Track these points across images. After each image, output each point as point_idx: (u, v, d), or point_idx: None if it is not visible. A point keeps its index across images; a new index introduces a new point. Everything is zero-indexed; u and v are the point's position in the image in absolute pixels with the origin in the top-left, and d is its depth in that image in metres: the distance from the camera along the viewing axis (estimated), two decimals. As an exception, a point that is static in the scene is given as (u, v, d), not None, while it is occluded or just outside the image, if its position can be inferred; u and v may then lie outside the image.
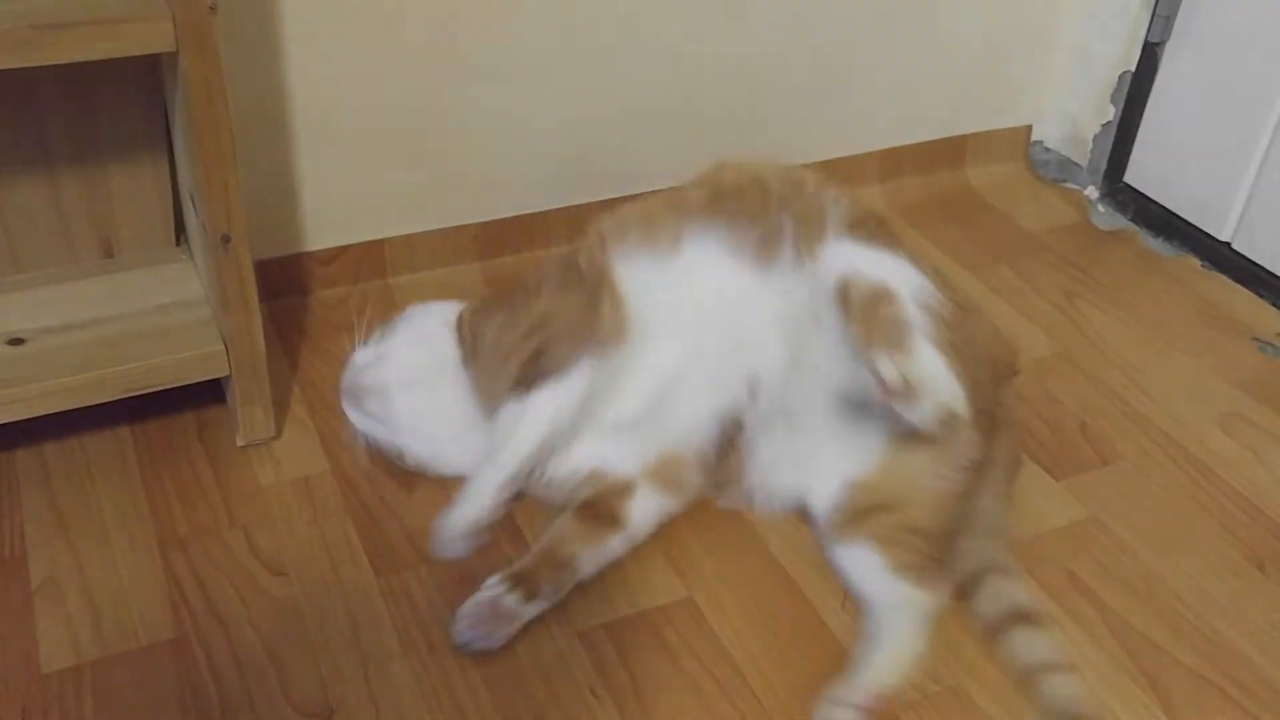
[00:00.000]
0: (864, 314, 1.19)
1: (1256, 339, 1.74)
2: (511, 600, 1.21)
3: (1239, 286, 1.85)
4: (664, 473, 1.33)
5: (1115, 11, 1.98)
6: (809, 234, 1.29)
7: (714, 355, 1.30)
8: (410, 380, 1.33)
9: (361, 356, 1.36)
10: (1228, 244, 1.88)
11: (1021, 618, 1.23)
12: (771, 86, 1.88)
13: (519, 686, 1.17)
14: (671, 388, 1.30)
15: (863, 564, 1.26)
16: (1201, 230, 1.91)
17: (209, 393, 1.47)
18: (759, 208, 1.33)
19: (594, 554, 1.27)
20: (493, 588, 1.22)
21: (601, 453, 1.32)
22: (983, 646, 1.23)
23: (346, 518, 1.35)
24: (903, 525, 1.24)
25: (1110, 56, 2.01)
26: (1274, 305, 1.80)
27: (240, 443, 1.43)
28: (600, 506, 1.30)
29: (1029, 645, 1.21)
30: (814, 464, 1.31)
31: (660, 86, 1.79)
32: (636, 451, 1.32)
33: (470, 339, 1.35)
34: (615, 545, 1.29)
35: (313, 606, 1.25)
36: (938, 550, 1.24)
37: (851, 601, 1.28)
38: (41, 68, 1.21)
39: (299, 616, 1.23)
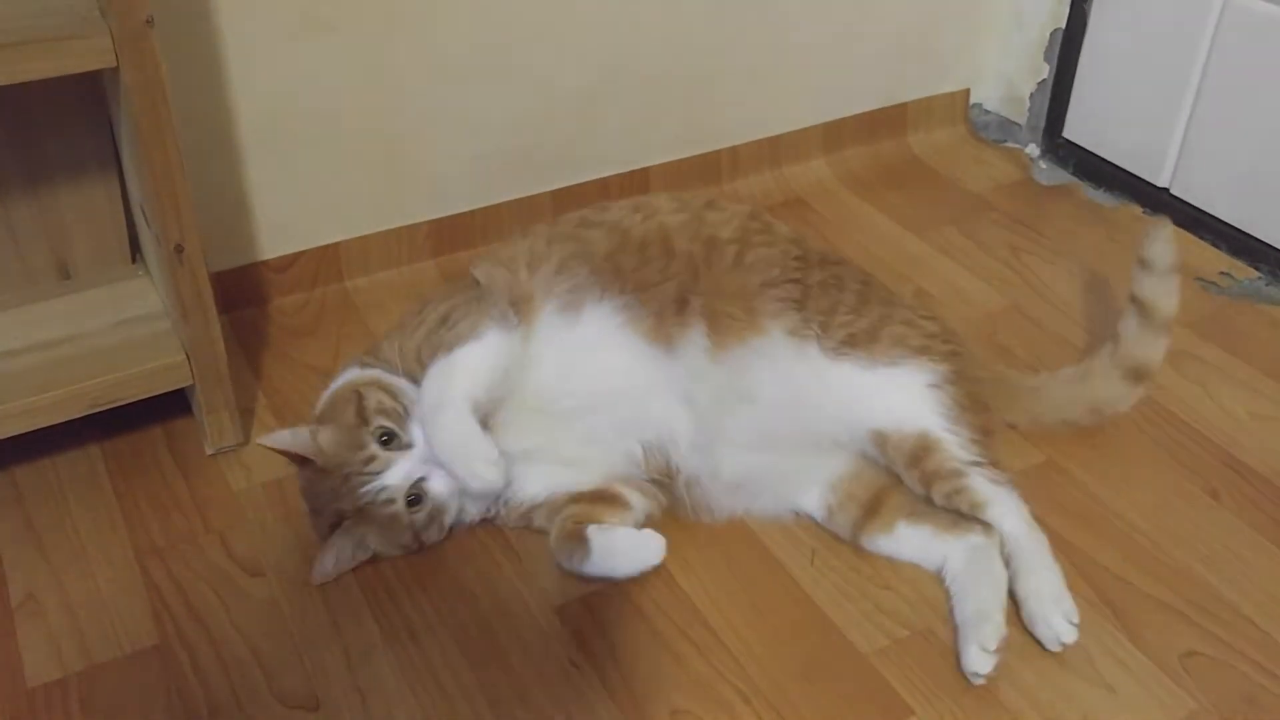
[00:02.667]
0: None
1: (1200, 279, 1.78)
2: None
3: (1180, 230, 1.87)
4: (606, 496, 1.32)
5: (1041, -30, 2.02)
6: (722, 323, 1.30)
7: (611, 419, 1.31)
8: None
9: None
10: (1166, 189, 1.92)
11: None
12: (712, 68, 1.90)
13: (501, 666, 1.19)
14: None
15: (916, 538, 1.29)
16: (1140, 178, 1.95)
17: (175, 405, 1.48)
18: (659, 274, 1.33)
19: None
20: None
21: (551, 482, 1.32)
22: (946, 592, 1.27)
23: (320, 516, 1.37)
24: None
25: (1040, 15, 2.05)
26: (1214, 245, 1.84)
27: (210, 451, 1.45)
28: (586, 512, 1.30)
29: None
30: (792, 481, 1.34)
31: (603, 74, 1.81)
32: (573, 480, 1.32)
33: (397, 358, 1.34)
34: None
35: (292, 604, 1.26)
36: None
37: (820, 557, 1.31)
38: (-18, 93, 1.22)
39: (280, 614, 1.25)
